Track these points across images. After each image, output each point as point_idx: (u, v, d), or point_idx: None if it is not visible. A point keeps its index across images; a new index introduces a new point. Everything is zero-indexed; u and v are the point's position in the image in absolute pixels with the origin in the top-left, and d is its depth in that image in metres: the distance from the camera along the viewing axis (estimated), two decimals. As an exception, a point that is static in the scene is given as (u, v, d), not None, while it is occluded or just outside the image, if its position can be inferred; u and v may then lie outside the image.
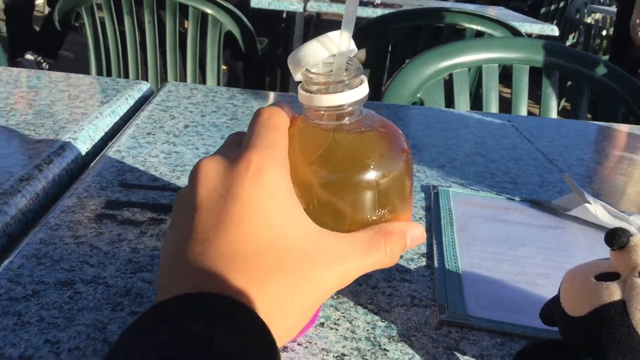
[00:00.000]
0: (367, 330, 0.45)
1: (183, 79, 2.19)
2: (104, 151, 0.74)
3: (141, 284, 0.47)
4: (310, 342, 0.43)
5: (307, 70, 0.39)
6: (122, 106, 0.94)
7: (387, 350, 0.43)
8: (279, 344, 0.32)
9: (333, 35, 0.39)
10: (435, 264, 0.55)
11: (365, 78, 0.40)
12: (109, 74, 2.20)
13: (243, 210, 0.34)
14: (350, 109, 0.39)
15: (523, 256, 0.59)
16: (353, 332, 0.45)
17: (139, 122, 0.85)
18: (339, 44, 0.39)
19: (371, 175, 0.39)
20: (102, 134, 0.84)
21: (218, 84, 2.14)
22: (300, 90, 0.40)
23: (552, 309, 0.42)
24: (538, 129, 1.05)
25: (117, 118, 0.90)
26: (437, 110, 1.12)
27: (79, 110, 0.86)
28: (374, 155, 0.39)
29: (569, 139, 1.01)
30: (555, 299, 0.41)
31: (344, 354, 0.42)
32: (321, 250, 0.36)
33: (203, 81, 2.17)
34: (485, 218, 0.66)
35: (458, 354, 0.44)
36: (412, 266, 0.55)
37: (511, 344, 0.46)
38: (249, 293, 0.32)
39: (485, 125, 1.04)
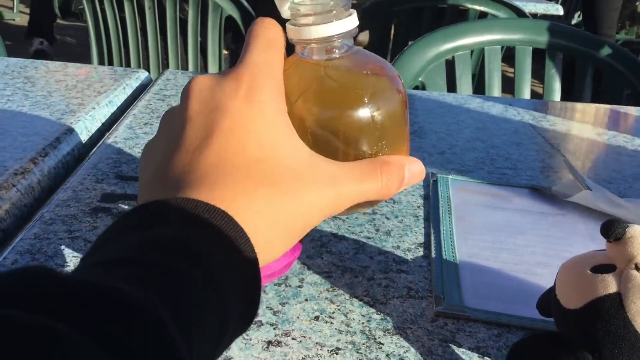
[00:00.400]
0: (362, 323, 0.45)
1: (185, 65, 2.18)
2: (100, 143, 0.74)
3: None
4: (304, 337, 0.43)
5: (293, 2, 0.38)
6: (120, 96, 0.93)
7: (382, 344, 0.43)
8: (261, 260, 0.30)
9: None
10: (433, 254, 0.55)
11: (354, 12, 0.39)
12: (110, 61, 2.19)
13: (233, 125, 0.33)
14: (340, 41, 0.38)
15: (522, 245, 0.58)
16: (348, 325, 0.45)
17: (136, 112, 0.85)
18: None
19: (365, 107, 0.37)
20: (99, 124, 0.83)
21: (220, 69, 2.13)
22: (288, 26, 0.39)
23: (548, 300, 0.42)
24: (540, 112, 1.04)
25: (115, 108, 0.90)
26: (437, 95, 1.10)
27: (76, 101, 0.86)
28: (367, 87, 0.38)
29: (572, 122, 1.00)
30: (551, 291, 0.41)
31: (338, 348, 0.42)
32: (313, 171, 0.34)
33: (205, 67, 2.16)
34: (484, 206, 0.66)
35: (454, 347, 0.43)
36: (410, 256, 0.55)
37: (508, 335, 0.45)
38: (234, 203, 0.30)
39: (486, 110, 1.02)
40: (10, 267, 0.48)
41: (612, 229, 0.37)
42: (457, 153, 0.81)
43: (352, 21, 0.38)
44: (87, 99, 0.87)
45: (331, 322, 0.45)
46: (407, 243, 0.57)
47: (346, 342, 0.43)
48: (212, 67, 2.12)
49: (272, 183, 0.32)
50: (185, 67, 2.08)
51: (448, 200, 0.66)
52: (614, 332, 0.36)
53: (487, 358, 0.43)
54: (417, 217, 0.62)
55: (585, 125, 1.00)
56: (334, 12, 0.38)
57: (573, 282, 0.38)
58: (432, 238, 0.58)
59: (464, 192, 0.69)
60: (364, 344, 0.43)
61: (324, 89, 0.38)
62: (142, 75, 1.04)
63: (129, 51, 2.18)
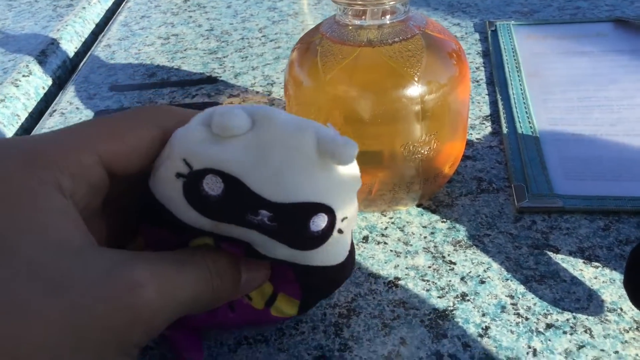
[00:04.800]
0: (425, 237, 0.35)
1: None
2: (92, 49, 0.63)
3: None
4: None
5: None
6: (114, -13, 0.81)
7: (454, 264, 0.33)
8: None
9: None
10: (504, 129, 0.43)
11: None
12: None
13: None
14: (392, 3, 0.31)
15: (617, 97, 0.45)
16: (406, 243, 0.35)
17: (131, 5, 0.72)
18: None
19: (415, 89, 0.31)
20: (93, 26, 0.72)
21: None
22: None
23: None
24: None
25: (110, 3, 0.78)
26: None
27: (64, 2, 0.74)
28: (419, 65, 0.31)
29: None
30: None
31: (397, 278, 0.32)
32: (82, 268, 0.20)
33: None
34: (560, 53, 0.52)
35: (549, 253, 0.33)
36: (475, 136, 0.43)
37: (619, 225, 0.34)
38: None
39: None
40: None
41: None
42: (517, -9, 0.66)
43: None
44: (76, -1, 0.75)
45: (385, 243, 0.35)
46: (470, 118, 0.45)
47: (407, 268, 0.33)
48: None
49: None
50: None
51: (514, 54, 0.53)
52: None
53: (595, 263, 0.32)
54: (477, 82, 0.50)
55: None
56: None
57: None
58: (501, 107, 0.46)
59: (533, 40, 0.55)
60: (430, 267, 0.33)
61: (364, 64, 0.32)
62: (139, -41, 0.91)
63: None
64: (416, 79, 0.31)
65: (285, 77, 0.36)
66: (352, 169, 0.24)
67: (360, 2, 0.32)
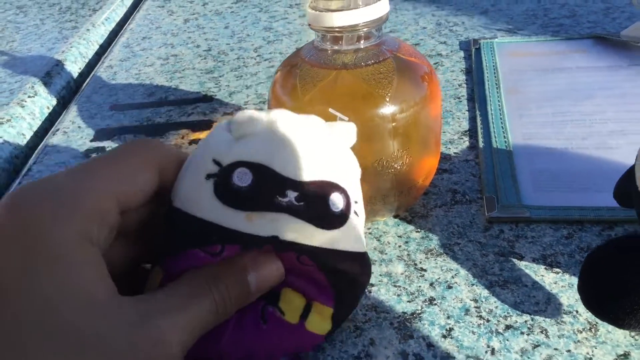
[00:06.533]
0: (400, 247, 0.37)
1: None
2: (94, 70, 0.66)
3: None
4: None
5: None
6: (118, 10, 0.84)
7: (425, 270, 0.35)
8: None
9: None
10: (481, 144, 0.45)
11: None
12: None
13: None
14: (366, 30, 0.34)
15: (590, 112, 0.48)
16: (382, 252, 0.37)
17: (133, 27, 0.76)
18: None
19: (387, 109, 0.33)
20: (97, 47, 0.75)
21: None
22: (308, 10, 0.35)
23: (629, 185, 0.32)
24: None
25: (113, 25, 0.81)
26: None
27: (69, 25, 0.77)
28: (390, 86, 0.34)
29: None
30: (631, 173, 0.31)
31: (371, 284, 0.35)
32: (112, 316, 0.23)
33: None
34: (540, 70, 0.55)
35: (514, 260, 0.35)
36: (453, 151, 0.46)
37: (581, 234, 0.37)
38: None
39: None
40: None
41: None
42: (503, 9, 0.69)
43: (381, 6, 0.34)
44: (82, 20, 0.79)
45: (361, 251, 0.37)
46: (449, 133, 0.48)
47: (381, 275, 0.35)
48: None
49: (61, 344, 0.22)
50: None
51: (495, 71, 0.55)
52: None
53: (556, 269, 0.34)
54: (458, 98, 0.52)
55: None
56: None
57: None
58: (479, 122, 0.48)
59: (514, 56, 0.58)
60: (402, 273, 0.35)
61: (341, 86, 0.34)
62: (142, -19, 0.94)
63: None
64: (388, 99, 0.34)
65: (268, 98, 0.38)
66: (353, 158, 0.29)
67: (337, 29, 0.34)
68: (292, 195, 0.26)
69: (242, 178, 0.26)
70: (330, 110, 0.29)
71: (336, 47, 0.35)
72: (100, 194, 0.24)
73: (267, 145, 0.26)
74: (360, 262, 0.29)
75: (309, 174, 0.26)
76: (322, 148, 0.27)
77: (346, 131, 0.29)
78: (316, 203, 0.26)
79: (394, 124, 0.34)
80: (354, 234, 0.28)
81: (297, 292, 0.30)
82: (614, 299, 0.29)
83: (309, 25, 0.35)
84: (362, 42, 0.35)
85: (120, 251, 0.27)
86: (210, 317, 0.26)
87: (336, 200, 0.27)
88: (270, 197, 0.26)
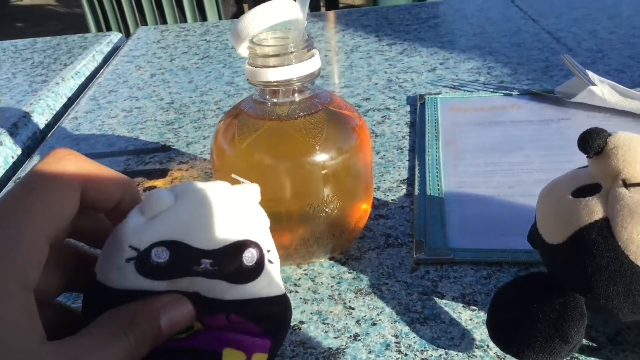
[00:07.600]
0: (332, 286, 0.40)
1: (163, 19, 2.08)
2: (60, 121, 0.69)
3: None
4: (264, 313, 0.38)
5: (252, 42, 0.37)
6: (89, 64, 0.88)
7: (352, 308, 0.38)
8: None
9: (276, 2, 0.36)
10: (416, 191, 0.49)
11: (317, 52, 0.38)
12: (107, 24, 2.12)
13: None
14: (299, 84, 0.37)
15: (518, 162, 0.51)
16: (315, 292, 0.39)
17: (101, 80, 0.79)
18: (291, 11, 0.36)
19: (317, 157, 0.37)
20: (65, 100, 0.78)
21: (220, 18, 2.04)
22: (246, 66, 0.38)
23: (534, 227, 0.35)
24: (545, 4, 0.94)
25: (83, 79, 0.84)
26: (430, 4, 1.01)
27: (40, 78, 0.81)
28: (320, 135, 0.37)
29: (580, 10, 0.90)
30: (534, 224, 0.35)
31: (301, 322, 0.37)
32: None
33: (184, 17, 2.06)
34: (477, 124, 0.59)
35: (435, 299, 0.38)
36: (390, 197, 0.49)
37: (499, 274, 0.39)
38: None
39: (485, 12, 0.93)
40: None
41: (591, 141, 0.30)
42: (450, 67, 0.73)
43: (313, 63, 0.37)
44: (52, 74, 0.82)
45: (296, 291, 0.40)
46: (389, 182, 0.51)
47: (311, 313, 0.38)
48: (211, 16, 2.03)
49: None
50: (163, 21, 1.99)
51: (436, 124, 0.59)
52: (605, 266, 0.29)
53: (473, 307, 0.37)
54: (401, 149, 0.56)
55: (593, 12, 0.90)
56: (294, 53, 0.36)
57: (553, 211, 0.32)
58: (417, 171, 0.51)
59: (455, 111, 0.61)
60: (331, 312, 0.38)
61: (275, 135, 0.38)
62: (115, 37, 0.98)
63: (123, 11, 2.10)
64: (318, 148, 0.37)
65: (211, 146, 0.41)
66: (260, 210, 0.31)
67: (274, 83, 0.37)
68: (206, 262, 0.28)
69: (160, 255, 0.28)
70: (233, 175, 0.32)
71: (274, 100, 0.38)
72: (35, 239, 0.26)
73: (178, 221, 0.28)
74: (281, 304, 0.31)
75: (220, 241, 0.29)
76: (229, 210, 0.29)
77: (250, 191, 0.31)
78: (231, 263, 0.29)
79: (324, 171, 0.37)
80: (271, 280, 0.31)
81: (238, 349, 0.32)
82: (515, 333, 0.32)
83: (248, 80, 0.39)
84: (296, 95, 0.38)
85: (50, 276, 0.30)
86: (126, 358, 0.28)
87: (249, 256, 0.29)
88: (187, 267, 0.28)
